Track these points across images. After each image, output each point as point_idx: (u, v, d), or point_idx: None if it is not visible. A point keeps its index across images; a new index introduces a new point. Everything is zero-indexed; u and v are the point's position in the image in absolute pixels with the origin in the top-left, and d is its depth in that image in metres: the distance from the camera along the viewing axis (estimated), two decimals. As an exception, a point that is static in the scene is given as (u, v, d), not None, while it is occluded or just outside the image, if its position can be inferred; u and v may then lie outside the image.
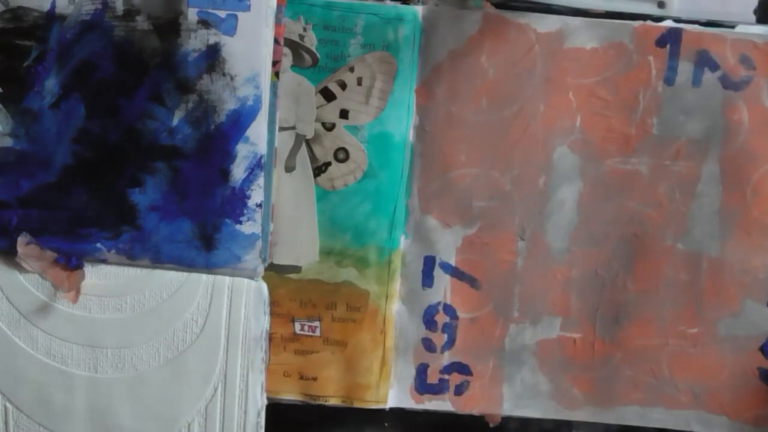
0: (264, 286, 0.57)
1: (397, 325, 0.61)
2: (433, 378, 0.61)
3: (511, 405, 0.62)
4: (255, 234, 0.56)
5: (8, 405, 0.57)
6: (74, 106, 0.55)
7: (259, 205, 0.56)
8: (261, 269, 0.57)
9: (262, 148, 0.55)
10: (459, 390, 0.61)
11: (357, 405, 0.61)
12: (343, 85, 0.58)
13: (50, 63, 0.54)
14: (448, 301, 0.60)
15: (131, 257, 0.56)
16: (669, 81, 0.58)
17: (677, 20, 0.58)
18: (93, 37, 0.54)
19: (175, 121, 0.55)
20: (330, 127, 0.58)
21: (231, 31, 0.54)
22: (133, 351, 0.57)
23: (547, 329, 0.61)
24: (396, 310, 0.60)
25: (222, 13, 0.54)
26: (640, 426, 0.62)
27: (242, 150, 0.55)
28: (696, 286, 0.60)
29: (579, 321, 0.61)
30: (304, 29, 0.57)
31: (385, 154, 0.59)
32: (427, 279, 0.60)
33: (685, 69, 0.58)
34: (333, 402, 0.61)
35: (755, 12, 0.58)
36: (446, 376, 0.61)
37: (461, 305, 0.61)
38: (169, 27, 0.54)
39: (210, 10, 0.53)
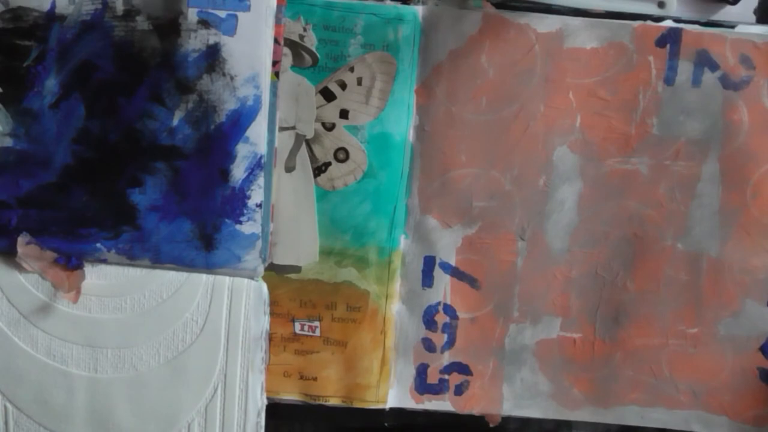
0: (264, 286, 0.57)
1: (397, 325, 0.61)
2: (433, 378, 0.61)
3: (511, 405, 0.62)
4: (255, 234, 0.56)
5: (8, 405, 0.57)
6: (74, 106, 0.55)
7: (259, 205, 0.56)
8: (261, 269, 0.57)
9: (262, 148, 0.55)
10: (459, 390, 0.61)
11: (357, 405, 0.61)
12: (343, 85, 0.58)
13: (50, 63, 0.54)
14: (448, 301, 0.60)
15: (131, 257, 0.56)
16: (669, 81, 0.58)
17: (677, 20, 0.58)
18: (93, 37, 0.54)
19: (175, 121, 0.55)
20: (330, 127, 0.58)
21: (231, 31, 0.54)
22: (133, 351, 0.57)
23: (547, 329, 0.61)
24: (396, 310, 0.60)
25: (222, 13, 0.54)
26: (640, 426, 0.62)
27: (242, 150, 0.55)
28: (696, 286, 0.60)
29: (579, 321, 0.61)
30: (304, 29, 0.57)
31: (385, 154, 0.59)
32: (427, 279, 0.60)
33: (685, 69, 0.58)
34: (333, 402, 0.61)
35: (755, 12, 0.58)
36: (446, 376, 0.61)
37: (461, 305, 0.61)
38: (169, 27, 0.54)
39: (210, 10, 0.54)
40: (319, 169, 0.59)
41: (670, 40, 0.58)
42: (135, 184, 0.55)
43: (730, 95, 0.58)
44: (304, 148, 0.59)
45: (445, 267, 0.60)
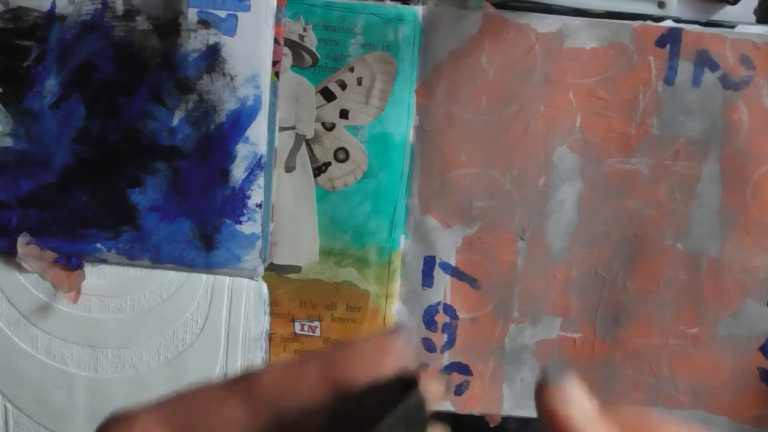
0: (264, 286, 0.57)
1: (397, 325, 0.61)
2: (433, 378, 0.61)
3: (511, 405, 0.62)
4: (255, 234, 0.56)
5: (8, 405, 0.57)
6: (74, 106, 0.55)
7: (259, 205, 0.56)
8: (261, 269, 0.57)
9: (262, 148, 0.55)
10: (459, 390, 0.61)
11: (357, 405, 0.61)
12: (343, 85, 0.58)
13: (50, 63, 0.54)
14: (448, 301, 0.60)
15: (131, 257, 0.56)
16: (669, 81, 0.58)
17: (677, 20, 0.58)
18: (93, 37, 0.54)
19: (175, 121, 0.55)
20: (330, 127, 0.58)
21: (231, 31, 0.54)
22: (133, 351, 0.57)
23: (547, 329, 0.61)
24: (396, 310, 0.60)
25: (222, 13, 0.54)
26: (640, 426, 0.62)
27: (242, 150, 0.55)
28: (696, 286, 0.60)
29: (579, 321, 0.61)
30: (304, 29, 0.57)
31: (385, 154, 0.59)
32: (427, 279, 0.60)
33: (685, 69, 0.58)
34: (333, 402, 0.61)
35: (755, 12, 0.58)
36: (446, 376, 0.61)
37: (461, 305, 0.61)
38: (169, 27, 0.54)
39: (210, 10, 0.54)
40: (319, 169, 0.59)
41: (670, 40, 0.58)
42: (135, 184, 0.55)
43: (730, 95, 0.58)
44: (304, 148, 0.59)
45: (445, 267, 0.60)
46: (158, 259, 0.56)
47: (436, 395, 0.26)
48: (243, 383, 0.24)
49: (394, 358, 0.25)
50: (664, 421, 0.22)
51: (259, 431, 0.24)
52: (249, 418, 0.24)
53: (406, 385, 0.25)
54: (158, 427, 0.25)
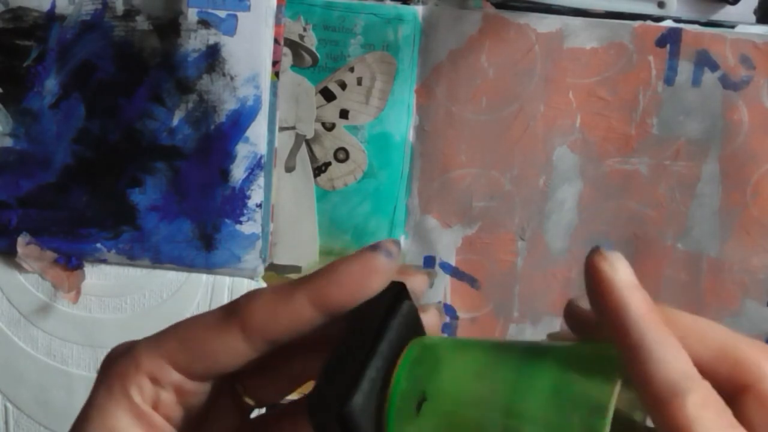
0: (264, 286, 0.57)
1: (397, 325, 0.61)
2: (433, 378, 0.61)
3: (511, 405, 0.61)
4: (255, 234, 0.56)
5: (8, 405, 0.57)
6: (74, 106, 0.55)
7: (259, 205, 0.56)
8: (261, 269, 0.57)
9: (262, 148, 0.55)
10: (459, 390, 0.61)
11: (357, 405, 0.61)
12: (343, 85, 0.58)
13: (50, 63, 0.54)
14: (448, 301, 0.60)
15: (131, 257, 0.56)
16: (669, 81, 0.58)
17: (677, 20, 0.58)
18: (93, 37, 0.54)
19: (175, 121, 0.55)
20: (330, 127, 0.58)
21: (231, 31, 0.54)
22: (133, 351, 0.57)
23: (547, 329, 0.61)
24: (396, 310, 0.60)
25: (222, 13, 0.54)
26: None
27: (242, 150, 0.55)
28: (696, 286, 0.60)
29: (579, 321, 0.61)
30: (304, 29, 0.57)
31: (385, 154, 0.59)
32: (427, 279, 0.60)
33: (685, 69, 0.58)
34: (333, 402, 0.61)
35: (755, 12, 0.58)
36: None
37: (461, 305, 0.61)
38: (169, 27, 0.54)
39: (210, 10, 0.54)
40: (319, 169, 0.59)
41: (670, 40, 0.58)
42: (135, 184, 0.55)
43: (730, 95, 0.58)
44: (304, 148, 0.59)
45: (445, 267, 0.60)
46: (158, 259, 0.56)
47: (422, 290, 0.28)
48: (236, 314, 0.26)
49: (379, 274, 0.26)
50: (697, 320, 0.25)
51: (260, 355, 0.26)
52: (247, 344, 0.26)
53: (396, 293, 0.26)
54: (165, 363, 0.26)
